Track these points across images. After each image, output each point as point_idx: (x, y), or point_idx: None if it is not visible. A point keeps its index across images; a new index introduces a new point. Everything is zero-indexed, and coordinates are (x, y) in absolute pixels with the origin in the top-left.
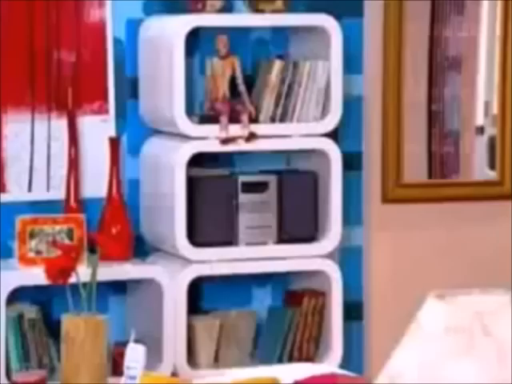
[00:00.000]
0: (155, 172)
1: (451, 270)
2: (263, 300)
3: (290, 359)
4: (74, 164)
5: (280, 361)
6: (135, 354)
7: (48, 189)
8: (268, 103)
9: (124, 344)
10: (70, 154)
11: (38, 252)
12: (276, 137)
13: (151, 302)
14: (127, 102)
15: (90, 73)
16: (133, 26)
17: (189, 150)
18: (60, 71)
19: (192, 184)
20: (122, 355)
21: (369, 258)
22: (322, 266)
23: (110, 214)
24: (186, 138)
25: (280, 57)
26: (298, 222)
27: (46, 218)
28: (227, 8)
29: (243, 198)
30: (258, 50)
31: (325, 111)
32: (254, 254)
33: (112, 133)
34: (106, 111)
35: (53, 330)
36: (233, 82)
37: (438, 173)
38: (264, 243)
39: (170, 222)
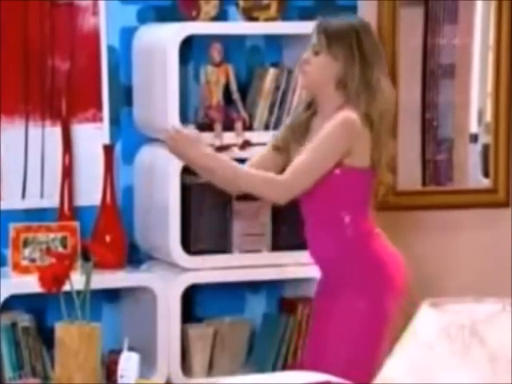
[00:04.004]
0: (149, 179)
1: (445, 277)
2: (257, 307)
3: (285, 367)
4: (67, 172)
5: (274, 368)
6: (129, 363)
7: (42, 196)
8: (262, 111)
9: (118, 352)
10: (63, 162)
11: (32, 260)
12: None
13: (145, 309)
14: (121, 110)
15: (84, 81)
16: (127, 34)
17: None
18: (54, 79)
19: (186, 191)
20: (115, 363)
21: None
22: (316, 273)
23: (103, 221)
24: None
25: (274, 64)
26: (292, 230)
27: (40, 225)
28: (221, 16)
29: (237, 205)
30: (252, 57)
31: None
32: (249, 262)
33: (106, 140)
34: (100, 119)
35: (46, 338)
36: (227, 90)
37: (432, 180)
38: (258, 251)
39: (164, 230)
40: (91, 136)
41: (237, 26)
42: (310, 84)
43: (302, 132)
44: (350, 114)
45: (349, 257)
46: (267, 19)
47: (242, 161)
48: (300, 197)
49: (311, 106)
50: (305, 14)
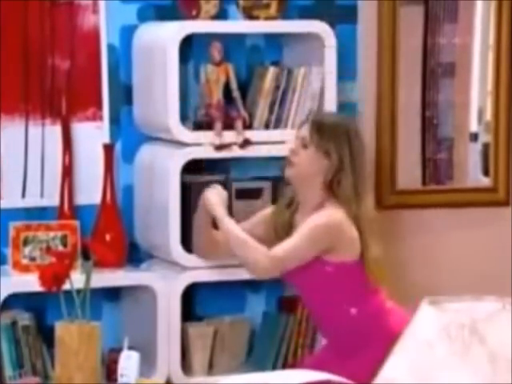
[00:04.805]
0: (149, 178)
1: (445, 276)
2: (257, 306)
3: (285, 366)
4: (68, 170)
5: (274, 367)
6: (129, 362)
7: (42, 195)
8: (262, 109)
9: (118, 351)
10: (64, 161)
11: (32, 259)
12: (270, 143)
13: (145, 308)
14: (121, 109)
15: (84, 79)
16: (127, 33)
17: (183, 156)
18: (54, 78)
19: (186, 190)
20: (115, 362)
21: None
22: None
23: (104, 220)
24: (180, 144)
25: (274, 63)
26: None
27: (40, 224)
28: (221, 15)
29: (237, 204)
30: (252, 56)
31: None
32: None
33: (106, 139)
34: (100, 118)
35: (46, 336)
36: (227, 89)
37: (432, 179)
38: None
39: (165, 229)
40: (91, 135)
41: (237, 25)
42: (295, 176)
43: (285, 231)
44: (334, 213)
45: (363, 337)
46: (267, 18)
47: (242, 160)
48: (300, 296)
49: (293, 202)
50: (305, 13)
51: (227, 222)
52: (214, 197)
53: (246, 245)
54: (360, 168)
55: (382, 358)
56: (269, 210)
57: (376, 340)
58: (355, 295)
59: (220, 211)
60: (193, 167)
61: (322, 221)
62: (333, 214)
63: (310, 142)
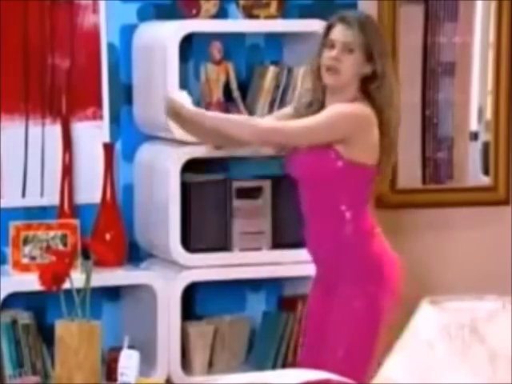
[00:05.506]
0: (149, 178)
1: (445, 275)
2: (257, 305)
3: (285, 365)
4: (68, 170)
5: (274, 366)
6: (129, 361)
7: (42, 195)
8: (262, 108)
9: (118, 349)
10: (64, 160)
11: (32, 258)
12: None
13: (145, 307)
14: (121, 108)
15: (84, 79)
16: (127, 32)
17: (183, 155)
18: (54, 77)
19: (186, 189)
20: (116, 361)
21: None
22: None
23: (104, 219)
24: (180, 143)
25: (274, 62)
26: (292, 228)
27: (40, 223)
28: (221, 14)
29: (237, 203)
30: (252, 55)
31: None
32: (248, 260)
33: (106, 138)
34: (100, 117)
35: (46, 335)
36: (227, 88)
37: (432, 178)
38: (258, 249)
39: (164, 228)
40: (91, 134)
41: (237, 24)
42: (340, 83)
43: None
44: (364, 108)
45: (347, 254)
46: (267, 17)
47: (242, 158)
48: (301, 188)
49: (313, 104)
50: (305, 12)
51: (207, 112)
52: (180, 99)
53: (239, 119)
54: (393, 69)
55: (359, 291)
56: (289, 108)
57: (356, 264)
58: (354, 201)
59: (194, 108)
60: (193, 166)
61: (350, 108)
62: (364, 109)
63: (357, 44)
